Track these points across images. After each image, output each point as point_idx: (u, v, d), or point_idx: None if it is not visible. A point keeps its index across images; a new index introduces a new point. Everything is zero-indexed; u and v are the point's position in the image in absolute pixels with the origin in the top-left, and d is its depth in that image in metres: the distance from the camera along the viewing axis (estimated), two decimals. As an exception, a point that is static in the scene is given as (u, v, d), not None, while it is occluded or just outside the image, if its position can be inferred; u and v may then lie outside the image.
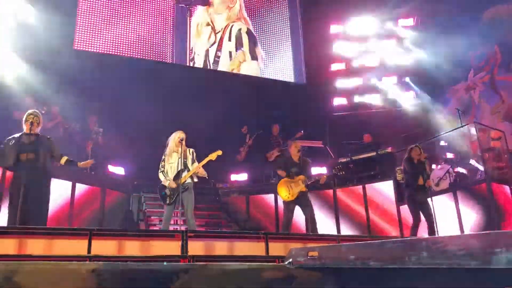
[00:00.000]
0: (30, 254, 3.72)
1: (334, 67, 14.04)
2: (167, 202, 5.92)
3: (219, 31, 12.78)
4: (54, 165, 6.01)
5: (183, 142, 6.00)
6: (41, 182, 5.32)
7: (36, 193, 5.16)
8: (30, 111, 5.59)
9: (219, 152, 6.10)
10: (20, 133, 5.31)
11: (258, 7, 13.61)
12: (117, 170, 9.40)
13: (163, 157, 6.16)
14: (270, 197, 9.14)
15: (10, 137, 5.29)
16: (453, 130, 9.15)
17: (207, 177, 6.17)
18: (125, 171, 9.52)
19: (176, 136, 6.08)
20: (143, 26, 11.90)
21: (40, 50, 9.93)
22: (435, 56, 13.00)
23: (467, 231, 7.05)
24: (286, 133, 10.74)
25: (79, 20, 11.21)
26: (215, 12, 12.87)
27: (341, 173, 7.13)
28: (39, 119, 5.46)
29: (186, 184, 5.87)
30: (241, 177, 10.38)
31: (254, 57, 12.95)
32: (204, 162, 6.06)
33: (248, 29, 13.14)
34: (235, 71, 12.68)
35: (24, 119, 5.40)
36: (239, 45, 12.84)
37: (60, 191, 7.62)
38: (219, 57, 12.57)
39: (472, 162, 8.05)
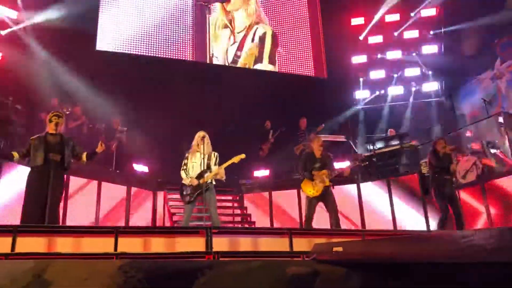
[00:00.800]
0: (59, 252, 3.81)
1: (356, 60, 13.90)
2: (187, 200, 5.98)
3: (241, 31, 12.78)
4: (78, 164, 6.13)
5: (205, 140, 6.04)
6: (63, 181, 5.44)
7: (59, 192, 5.28)
8: (54, 111, 5.69)
9: (243, 156, 6.13)
10: (44, 133, 5.41)
11: (277, 1, 13.56)
12: (141, 168, 9.53)
13: (186, 155, 6.22)
14: (293, 193, 9.11)
15: (34, 137, 5.40)
16: (479, 121, 8.94)
17: (224, 180, 6.19)
18: (149, 169, 9.65)
19: (197, 135, 6.15)
20: (163, 25, 12.00)
21: (65, 51, 10.15)
22: (459, 45, 12.72)
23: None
24: (311, 127, 10.67)
25: (101, 21, 11.38)
26: (233, 7, 12.86)
27: (365, 163, 7.03)
28: (63, 119, 5.58)
29: (207, 184, 5.93)
30: (264, 173, 10.37)
31: (272, 61, 12.93)
32: (227, 164, 6.10)
33: (273, 32, 13.12)
34: (247, 66, 12.68)
35: (48, 119, 5.50)
36: (261, 47, 12.85)
37: (86, 191, 7.78)
38: (238, 56, 12.60)
39: (496, 151, 7.84)
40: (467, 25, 12.13)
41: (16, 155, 5.33)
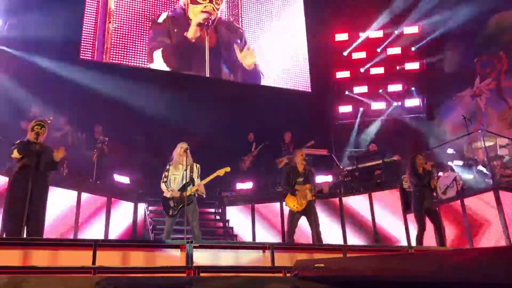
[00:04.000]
0: (34, 266, 3.71)
1: (339, 75, 14.05)
2: (170, 213, 5.90)
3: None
4: (59, 174, 6.02)
5: (188, 152, 5.99)
6: (43, 191, 5.32)
7: (39, 201, 5.17)
8: (37, 120, 5.59)
9: (227, 169, 6.10)
10: (25, 140, 5.30)
11: (263, 15, 13.65)
12: (122, 179, 9.42)
13: (167, 167, 6.15)
14: (276, 205, 9.10)
15: (18, 142, 5.31)
16: (459, 137, 9.09)
17: (204, 196, 6.14)
18: (130, 180, 9.53)
19: (180, 147, 6.08)
20: (143, 36, 11.96)
21: (47, 59, 10.03)
22: (440, 63, 12.98)
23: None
24: (295, 141, 10.73)
25: (84, 30, 11.30)
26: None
27: (346, 179, 7.10)
28: (45, 130, 5.46)
29: (191, 197, 5.87)
30: (247, 185, 10.35)
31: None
32: (211, 177, 6.06)
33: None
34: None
35: (30, 127, 5.40)
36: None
37: (65, 201, 7.64)
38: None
39: (480, 168, 7.98)
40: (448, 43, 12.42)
41: (16, 154, 5.20)
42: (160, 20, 12.23)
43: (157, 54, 11.95)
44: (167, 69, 12.00)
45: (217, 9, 12.95)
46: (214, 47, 12.64)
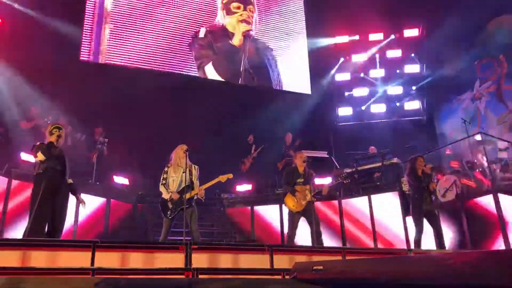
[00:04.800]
0: (33, 267, 3.70)
1: (339, 77, 14.07)
2: (168, 215, 5.89)
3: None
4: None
5: (187, 154, 5.98)
6: (67, 194, 5.36)
7: (64, 203, 5.26)
8: (56, 124, 5.52)
9: (230, 176, 6.10)
10: (50, 143, 5.27)
11: (261, 15, 13.67)
12: (122, 180, 9.41)
13: (165, 169, 6.13)
14: (275, 208, 9.09)
15: (38, 144, 5.29)
16: (459, 140, 9.09)
17: (203, 200, 6.13)
18: (130, 182, 9.52)
19: (179, 149, 6.08)
20: (145, 37, 11.98)
21: (47, 61, 10.01)
22: (441, 66, 12.99)
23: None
24: (295, 143, 10.74)
25: (85, 32, 11.31)
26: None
27: (346, 181, 7.11)
28: (63, 133, 5.43)
29: (190, 201, 5.86)
30: (246, 187, 10.34)
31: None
32: (213, 182, 6.05)
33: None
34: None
35: (49, 131, 5.36)
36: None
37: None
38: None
39: (476, 173, 7.98)
40: (448, 46, 12.42)
41: (41, 156, 5.17)
42: (201, 35, 12.66)
43: (209, 68, 12.53)
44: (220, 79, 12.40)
45: (252, 17, 13.18)
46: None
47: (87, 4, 11.54)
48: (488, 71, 12.08)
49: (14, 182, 6.98)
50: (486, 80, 12.10)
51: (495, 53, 11.87)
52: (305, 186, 6.60)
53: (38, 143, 5.34)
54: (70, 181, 5.43)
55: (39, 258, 3.90)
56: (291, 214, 6.67)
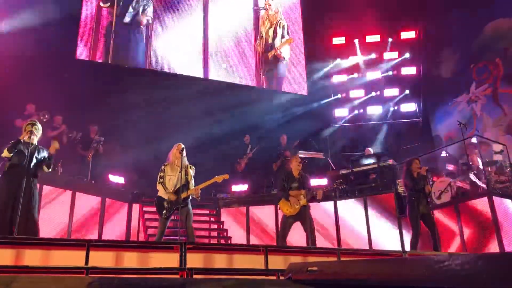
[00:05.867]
0: (26, 266, 3.68)
1: (336, 79, 14.08)
2: (164, 215, 5.88)
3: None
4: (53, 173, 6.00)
5: (183, 153, 5.98)
6: (33, 190, 5.29)
7: (30, 200, 5.15)
8: (30, 120, 5.57)
9: (226, 176, 6.13)
10: (18, 140, 5.28)
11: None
12: (117, 179, 9.37)
13: (162, 167, 6.12)
14: (270, 208, 9.09)
15: (11, 142, 5.29)
16: (454, 143, 9.11)
17: (198, 199, 6.13)
18: (125, 180, 9.49)
19: (175, 148, 6.08)
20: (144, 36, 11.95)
21: (43, 58, 9.97)
22: (436, 68, 13.03)
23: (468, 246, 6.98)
24: (291, 144, 10.76)
25: (81, 30, 11.28)
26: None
27: (341, 187, 7.10)
28: (38, 129, 5.43)
29: (185, 200, 5.86)
30: (242, 187, 10.33)
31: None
32: (208, 182, 6.07)
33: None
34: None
35: (23, 127, 5.39)
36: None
37: (60, 201, 7.60)
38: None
39: (472, 176, 7.97)
40: (445, 48, 12.47)
41: (6, 153, 5.16)
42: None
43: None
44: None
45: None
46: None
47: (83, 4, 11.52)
48: (484, 74, 12.12)
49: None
50: (482, 83, 12.13)
51: (491, 57, 11.91)
52: (300, 191, 6.59)
53: (12, 141, 5.33)
54: (44, 167, 5.37)
55: (33, 257, 3.88)
56: (285, 218, 6.66)
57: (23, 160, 5.16)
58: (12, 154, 5.16)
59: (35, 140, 5.39)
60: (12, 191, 4.91)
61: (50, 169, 5.50)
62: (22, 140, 5.26)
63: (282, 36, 13.59)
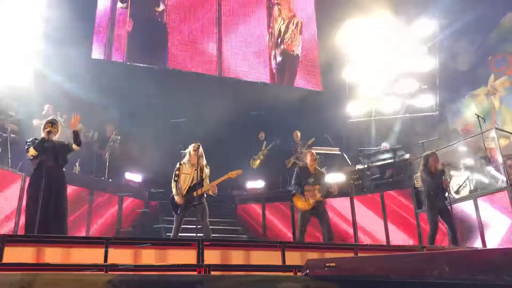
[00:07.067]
0: (47, 263, 3.75)
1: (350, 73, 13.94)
2: (179, 212, 5.92)
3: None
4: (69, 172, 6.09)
5: (199, 152, 5.99)
6: (63, 187, 5.40)
7: (60, 197, 5.27)
8: (49, 119, 5.68)
9: (239, 172, 6.13)
10: (42, 138, 5.36)
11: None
12: (134, 177, 9.46)
13: (177, 166, 6.16)
14: (286, 205, 9.08)
15: (30, 139, 5.40)
16: (472, 136, 8.97)
17: (215, 195, 6.15)
18: (142, 179, 9.57)
19: (192, 147, 6.11)
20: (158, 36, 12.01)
21: (60, 58, 10.07)
22: (454, 61, 12.82)
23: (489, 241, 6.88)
24: (304, 139, 10.71)
25: (96, 29, 11.39)
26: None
27: (357, 182, 7.06)
28: (57, 127, 5.53)
29: (201, 197, 5.88)
30: (258, 184, 10.33)
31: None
32: (222, 178, 6.08)
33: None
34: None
35: (42, 127, 5.49)
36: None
37: (78, 199, 7.71)
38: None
39: (490, 169, 7.84)
40: (462, 40, 12.26)
41: (33, 152, 5.26)
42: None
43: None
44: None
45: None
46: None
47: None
48: (503, 66, 11.89)
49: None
50: (500, 75, 11.91)
51: (509, 48, 11.67)
52: (315, 186, 6.57)
53: (30, 139, 5.44)
54: (73, 146, 5.46)
55: (53, 255, 3.95)
56: (301, 213, 6.66)
57: (49, 157, 5.26)
58: (38, 153, 5.26)
59: (56, 137, 5.49)
60: (43, 189, 5.00)
61: (80, 146, 5.59)
62: (47, 138, 5.34)
63: (293, 33, 13.60)
